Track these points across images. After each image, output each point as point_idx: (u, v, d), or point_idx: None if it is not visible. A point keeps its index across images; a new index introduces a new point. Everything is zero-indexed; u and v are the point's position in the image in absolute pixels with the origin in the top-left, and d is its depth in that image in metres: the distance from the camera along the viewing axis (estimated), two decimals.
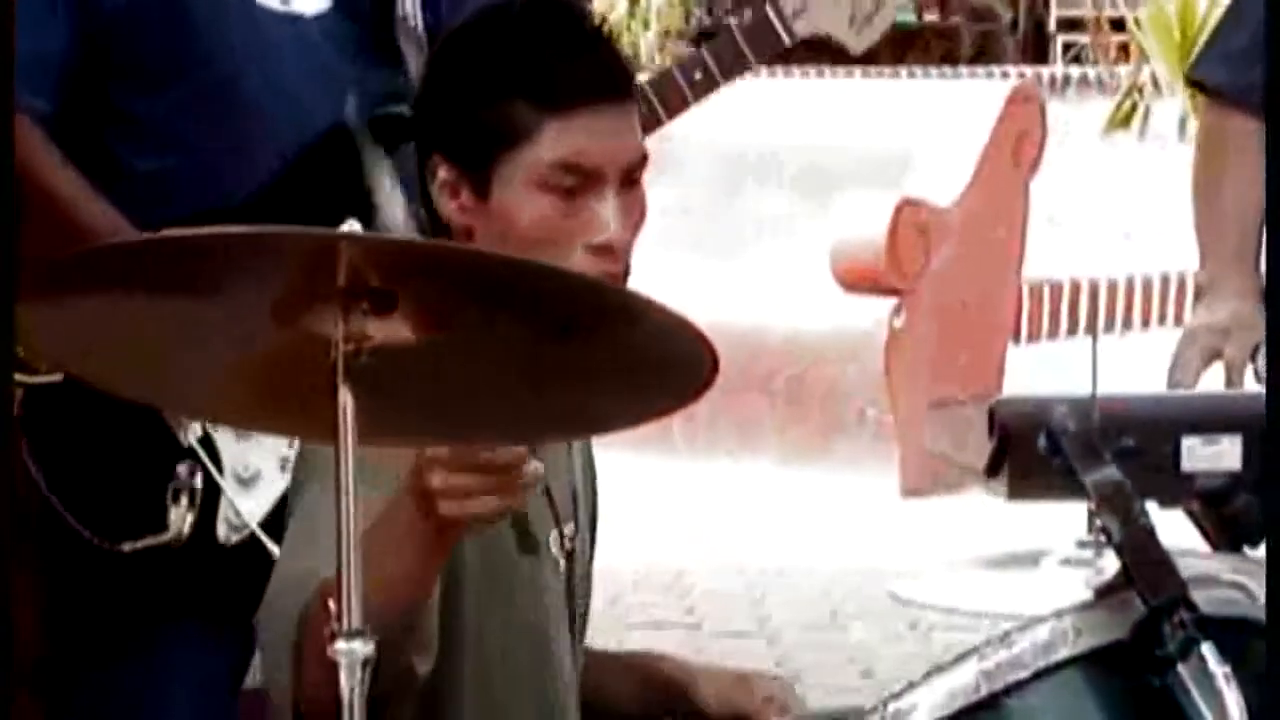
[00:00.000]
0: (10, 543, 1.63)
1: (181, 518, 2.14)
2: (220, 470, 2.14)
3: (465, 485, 1.52)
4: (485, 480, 1.52)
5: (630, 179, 1.79)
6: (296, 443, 1.94)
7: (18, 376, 1.82)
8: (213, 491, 2.14)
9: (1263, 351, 2.44)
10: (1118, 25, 11.45)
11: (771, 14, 2.33)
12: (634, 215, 1.80)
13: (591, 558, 1.97)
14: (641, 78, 2.24)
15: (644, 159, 1.82)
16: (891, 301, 5.89)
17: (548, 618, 1.85)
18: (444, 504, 1.52)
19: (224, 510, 2.14)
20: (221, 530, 2.14)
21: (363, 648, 1.43)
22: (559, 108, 1.76)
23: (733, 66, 2.31)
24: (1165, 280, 7.50)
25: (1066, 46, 12.39)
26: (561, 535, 1.87)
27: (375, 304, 1.43)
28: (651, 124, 2.26)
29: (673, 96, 2.29)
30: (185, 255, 1.45)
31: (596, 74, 1.79)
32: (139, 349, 1.52)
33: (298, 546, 1.70)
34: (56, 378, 1.82)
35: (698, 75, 2.29)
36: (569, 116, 1.76)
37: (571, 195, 1.77)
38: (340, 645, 1.43)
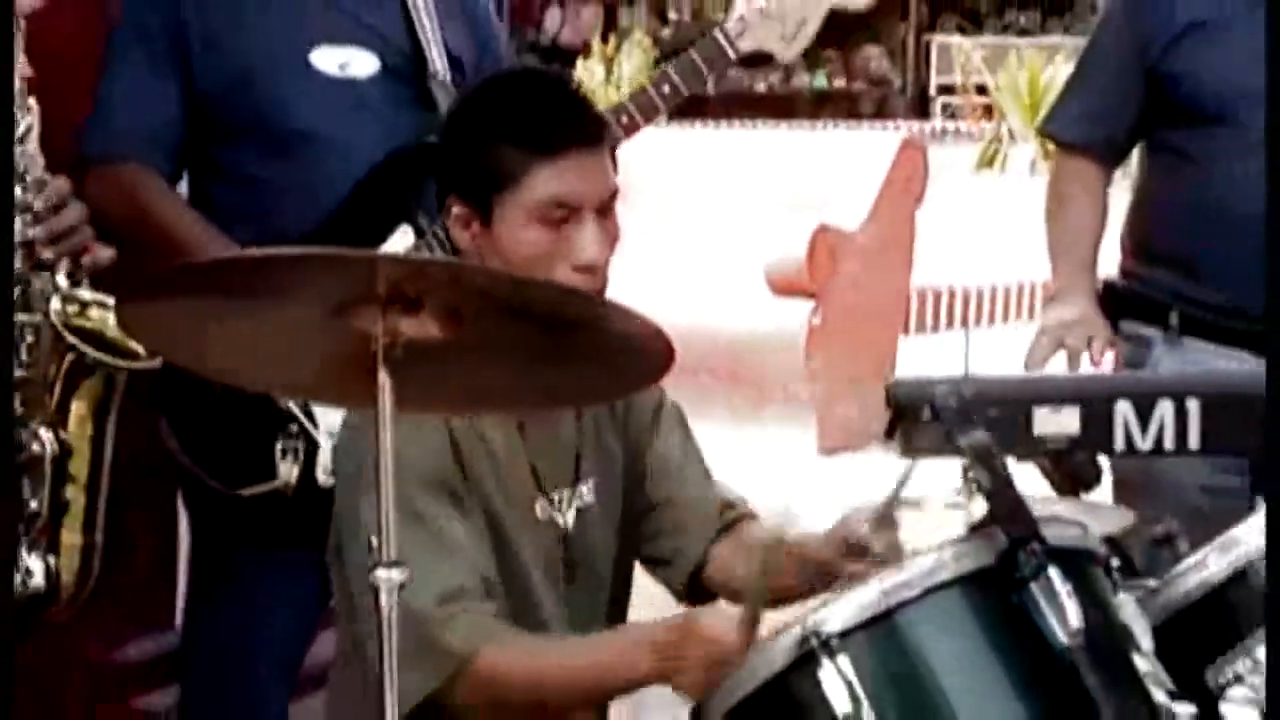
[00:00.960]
0: (11, 544, 1.58)
1: (289, 469, 2.11)
2: (317, 429, 2.11)
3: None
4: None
5: (605, 210, 1.76)
6: None
7: (119, 362, 1.80)
8: (312, 446, 2.11)
9: (1097, 341, 2.44)
10: (981, 90, 11.47)
11: (719, 36, 2.32)
12: (610, 239, 1.77)
13: (616, 495, 1.88)
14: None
15: (615, 193, 1.78)
16: (810, 304, 5.90)
17: (526, 572, 1.79)
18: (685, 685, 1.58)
19: (321, 460, 2.11)
20: (320, 476, 2.11)
21: (399, 575, 1.43)
22: (547, 154, 1.73)
23: (692, 79, 2.30)
24: (1021, 287, 7.51)
25: (944, 106, 12.38)
26: (550, 500, 1.81)
27: (407, 307, 1.43)
28: (632, 128, 2.26)
29: (647, 106, 2.28)
30: (261, 268, 1.44)
31: (576, 126, 1.76)
32: (224, 341, 1.51)
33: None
34: (153, 364, 1.79)
35: (665, 89, 2.28)
36: (555, 161, 1.73)
37: (558, 225, 1.73)
38: (380, 573, 1.42)
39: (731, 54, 2.32)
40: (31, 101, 1.76)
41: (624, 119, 2.23)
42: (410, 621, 1.56)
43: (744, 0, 2.34)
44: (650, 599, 1.96)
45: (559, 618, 1.81)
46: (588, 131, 1.77)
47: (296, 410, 2.12)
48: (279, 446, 2.12)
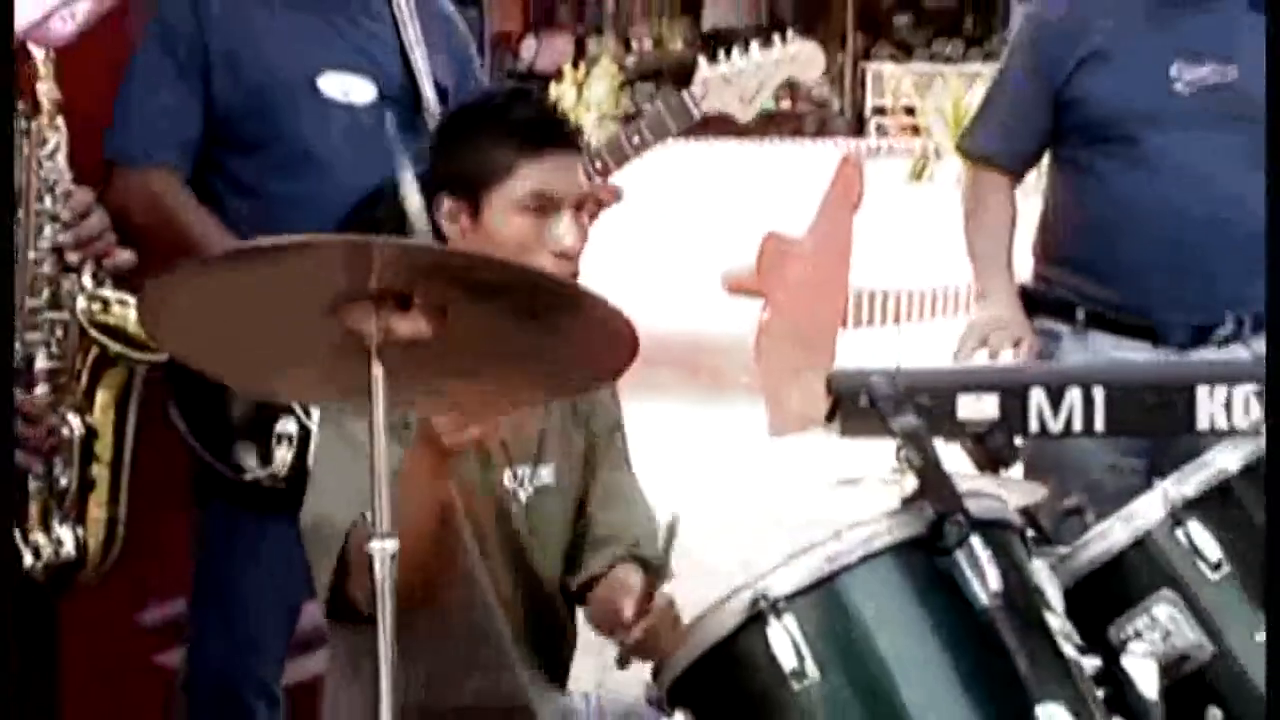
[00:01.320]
0: (11, 542, 1.55)
1: (284, 458, 2.10)
2: (309, 418, 2.09)
3: (455, 423, 1.56)
4: (460, 421, 1.56)
5: (579, 205, 1.79)
6: None
7: (138, 355, 1.79)
8: (305, 432, 2.09)
9: (1024, 343, 2.47)
10: (910, 111, 11.50)
11: (685, 96, 2.34)
12: (583, 232, 1.79)
13: (574, 482, 1.86)
14: (596, 142, 2.27)
15: (585, 197, 1.81)
16: (760, 302, 5.91)
17: (508, 525, 1.80)
18: (446, 438, 1.56)
19: (313, 448, 2.09)
20: (311, 462, 2.10)
21: (392, 544, 1.41)
22: (529, 152, 1.76)
23: (659, 132, 2.31)
24: (947, 288, 7.53)
25: (878, 126, 12.39)
26: (515, 473, 1.81)
27: (398, 304, 1.40)
28: (605, 172, 2.27)
29: (618, 153, 2.29)
30: (258, 258, 1.38)
31: (556, 130, 1.80)
32: (231, 340, 1.47)
33: (322, 475, 1.70)
34: (160, 358, 1.78)
35: (635, 139, 2.29)
36: (536, 158, 1.76)
37: (540, 216, 1.75)
38: (375, 544, 1.41)
39: (696, 114, 2.34)
40: (60, 121, 1.75)
41: (598, 164, 2.24)
42: (324, 525, 1.62)
43: (708, 66, 2.36)
44: None
45: (498, 576, 1.80)
46: (565, 136, 1.80)
47: (294, 403, 2.10)
48: (275, 433, 2.10)
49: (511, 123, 1.78)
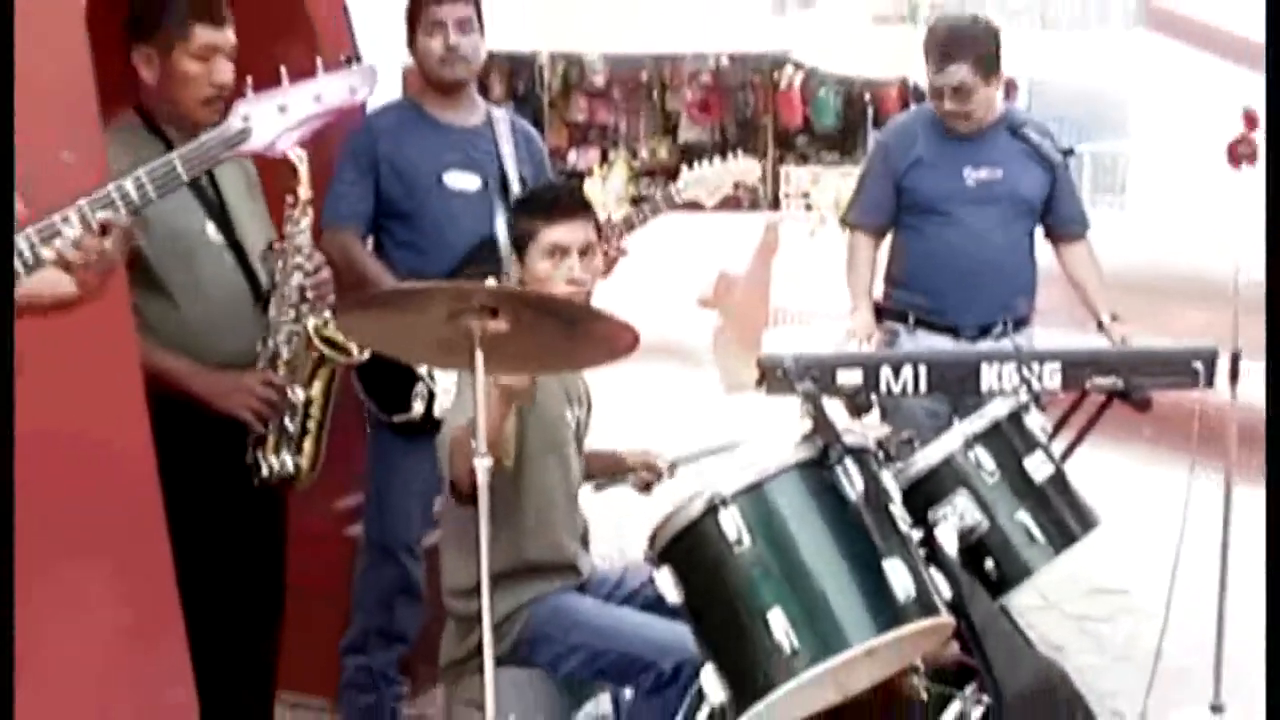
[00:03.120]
0: (10, 539, 1.07)
1: (419, 407, 2.11)
2: (435, 383, 2.11)
3: (509, 378, 1.54)
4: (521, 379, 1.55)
5: (585, 251, 1.80)
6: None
7: (341, 358, 1.82)
8: (432, 394, 2.11)
9: (875, 338, 2.54)
10: (806, 195, 11.57)
11: (672, 188, 2.39)
12: (590, 269, 1.80)
13: (589, 422, 1.94)
14: (618, 217, 2.28)
15: (591, 244, 1.81)
16: (716, 313, 5.90)
17: (566, 447, 1.82)
18: (503, 382, 1.54)
19: (439, 402, 2.11)
20: (437, 411, 2.10)
21: (487, 461, 1.42)
22: (546, 220, 1.79)
23: (655, 210, 2.34)
24: (831, 305, 7.46)
25: (788, 204, 12.38)
26: (573, 412, 1.85)
27: (490, 313, 1.42)
28: (620, 236, 2.28)
29: (632, 224, 2.30)
30: (412, 293, 1.45)
31: (562, 205, 1.81)
32: (390, 335, 1.50)
33: (451, 412, 1.71)
34: (352, 360, 1.83)
35: (641, 215, 2.32)
36: (552, 224, 1.78)
37: (557, 259, 1.78)
38: (476, 460, 1.41)
39: (679, 200, 2.40)
40: (310, 209, 1.78)
41: (618, 230, 2.28)
42: (447, 431, 1.61)
43: (687, 170, 2.42)
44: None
45: (560, 474, 1.82)
46: (573, 207, 1.82)
47: (425, 372, 2.12)
48: (414, 391, 2.12)
49: (536, 203, 1.82)
